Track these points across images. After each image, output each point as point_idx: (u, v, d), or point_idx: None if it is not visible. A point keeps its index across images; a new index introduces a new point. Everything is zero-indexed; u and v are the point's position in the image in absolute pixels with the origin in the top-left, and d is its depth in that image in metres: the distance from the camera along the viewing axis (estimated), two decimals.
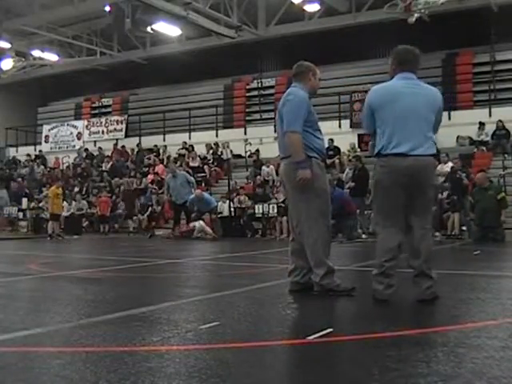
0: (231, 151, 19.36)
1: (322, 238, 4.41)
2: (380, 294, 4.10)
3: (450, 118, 16.28)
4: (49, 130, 24.82)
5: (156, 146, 21.35)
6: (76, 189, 19.00)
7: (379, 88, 4.31)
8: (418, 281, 4.10)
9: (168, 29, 18.43)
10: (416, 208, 4.11)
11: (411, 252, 4.15)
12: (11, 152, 25.29)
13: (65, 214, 16.50)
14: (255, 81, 22.04)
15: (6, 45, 20.09)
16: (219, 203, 15.29)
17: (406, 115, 4.08)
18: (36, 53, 21.60)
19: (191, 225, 14.10)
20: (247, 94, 22.25)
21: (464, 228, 12.19)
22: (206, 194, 15.14)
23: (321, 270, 4.37)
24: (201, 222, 14.15)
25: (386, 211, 4.19)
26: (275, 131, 17.75)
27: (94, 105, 25.77)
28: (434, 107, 4.18)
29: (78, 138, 24.00)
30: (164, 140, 21.53)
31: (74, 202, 17.53)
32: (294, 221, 4.64)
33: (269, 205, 14.24)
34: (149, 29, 17.98)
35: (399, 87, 4.20)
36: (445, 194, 12.82)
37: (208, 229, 14.02)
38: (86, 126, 23.97)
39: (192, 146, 20.22)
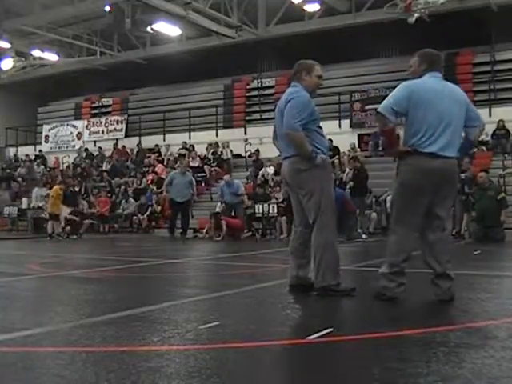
0: (231, 151, 19.37)
1: (329, 237, 4.42)
2: (391, 292, 4.09)
3: None
4: (49, 130, 24.82)
5: (157, 145, 21.36)
6: (76, 189, 18.97)
7: (425, 82, 4.17)
8: (437, 282, 4.09)
9: (168, 29, 18.44)
10: (439, 209, 4.11)
11: (432, 254, 4.11)
12: (11, 152, 25.30)
13: (65, 214, 16.48)
14: (255, 81, 22.04)
15: (6, 45, 20.09)
16: (218, 203, 15.24)
17: (442, 116, 4.05)
18: (36, 53, 21.59)
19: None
20: (247, 94, 22.25)
21: (465, 228, 12.19)
22: (235, 180, 14.91)
23: (323, 269, 4.37)
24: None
25: (410, 211, 4.12)
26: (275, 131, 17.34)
27: (93, 105, 25.76)
28: (462, 106, 4.16)
29: (78, 138, 24.00)
30: (164, 140, 21.53)
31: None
32: (297, 218, 4.63)
33: (269, 205, 14.24)
34: (149, 29, 18.00)
35: (435, 86, 4.14)
36: None
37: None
38: (86, 126, 23.97)
39: (192, 145, 20.22)
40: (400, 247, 4.13)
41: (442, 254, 4.09)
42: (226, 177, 14.74)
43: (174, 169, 16.10)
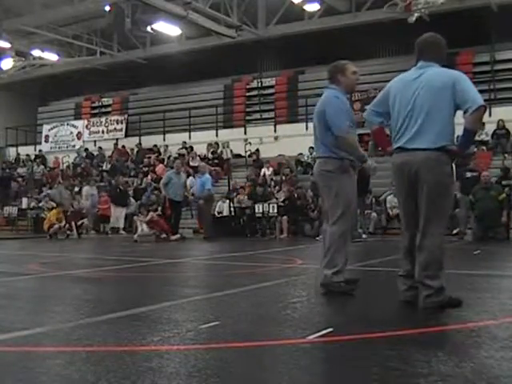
0: (231, 151, 19.36)
1: (333, 239, 4.45)
2: (402, 295, 4.07)
3: None
4: (49, 130, 24.82)
5: (156, 145, 21.36)
6: (76, 189, 18.97)
7: (401, 75, 4.09)
8: (419, 288, 3.90)
9: (168, 28, 18.43)
10: (420, 209, 3.85)
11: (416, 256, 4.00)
12: (11, 152, 25.30)
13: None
14: (255, 80, 22.05)
15: (6, 45, 20.08)
16: (219, 203, 15.21)
17: (408, 105, 3.85)
18: (36, 53, 21.58)
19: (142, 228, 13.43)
20: (247, 94, 22.25)
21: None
22: (207, 175, 14.23)
23: (333, 267, 4.40)
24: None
25: (401, 210, 4.12)
26: (275, 131, 17.74)
27: (93, 104, 25.78)
28: (441, 90, 3.75)
29: (78, 138, 24.00)
30: (164, 140, 21.53)
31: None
32: (326, 217, 4.63)
33: (269, 204, 14.24)
34: (149, 28, 17.99)
35: (407, 77, 3.97)
36: None
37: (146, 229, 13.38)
38: (86, 126, 23.97)
39: (192, 146, 20.23)
40: (402, 249, 4.10)
41: (420, 262, 3.81)
42: (202, 165, 14.37)
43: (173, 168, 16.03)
